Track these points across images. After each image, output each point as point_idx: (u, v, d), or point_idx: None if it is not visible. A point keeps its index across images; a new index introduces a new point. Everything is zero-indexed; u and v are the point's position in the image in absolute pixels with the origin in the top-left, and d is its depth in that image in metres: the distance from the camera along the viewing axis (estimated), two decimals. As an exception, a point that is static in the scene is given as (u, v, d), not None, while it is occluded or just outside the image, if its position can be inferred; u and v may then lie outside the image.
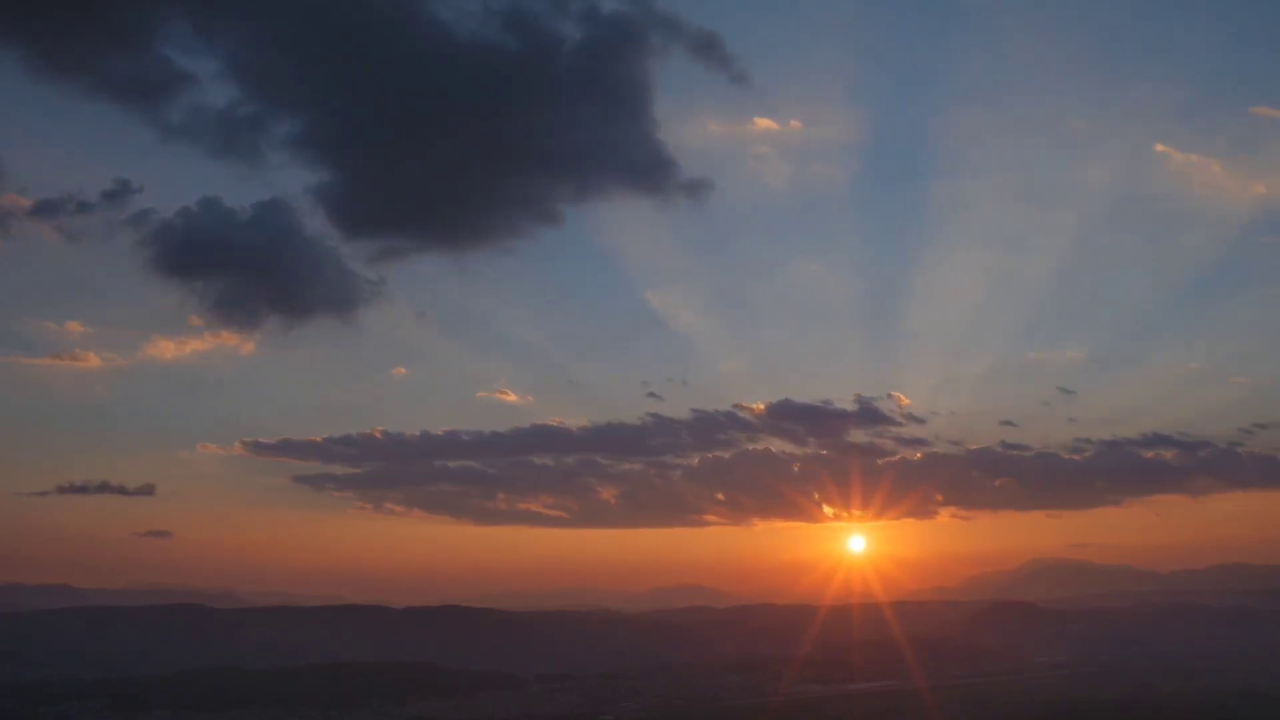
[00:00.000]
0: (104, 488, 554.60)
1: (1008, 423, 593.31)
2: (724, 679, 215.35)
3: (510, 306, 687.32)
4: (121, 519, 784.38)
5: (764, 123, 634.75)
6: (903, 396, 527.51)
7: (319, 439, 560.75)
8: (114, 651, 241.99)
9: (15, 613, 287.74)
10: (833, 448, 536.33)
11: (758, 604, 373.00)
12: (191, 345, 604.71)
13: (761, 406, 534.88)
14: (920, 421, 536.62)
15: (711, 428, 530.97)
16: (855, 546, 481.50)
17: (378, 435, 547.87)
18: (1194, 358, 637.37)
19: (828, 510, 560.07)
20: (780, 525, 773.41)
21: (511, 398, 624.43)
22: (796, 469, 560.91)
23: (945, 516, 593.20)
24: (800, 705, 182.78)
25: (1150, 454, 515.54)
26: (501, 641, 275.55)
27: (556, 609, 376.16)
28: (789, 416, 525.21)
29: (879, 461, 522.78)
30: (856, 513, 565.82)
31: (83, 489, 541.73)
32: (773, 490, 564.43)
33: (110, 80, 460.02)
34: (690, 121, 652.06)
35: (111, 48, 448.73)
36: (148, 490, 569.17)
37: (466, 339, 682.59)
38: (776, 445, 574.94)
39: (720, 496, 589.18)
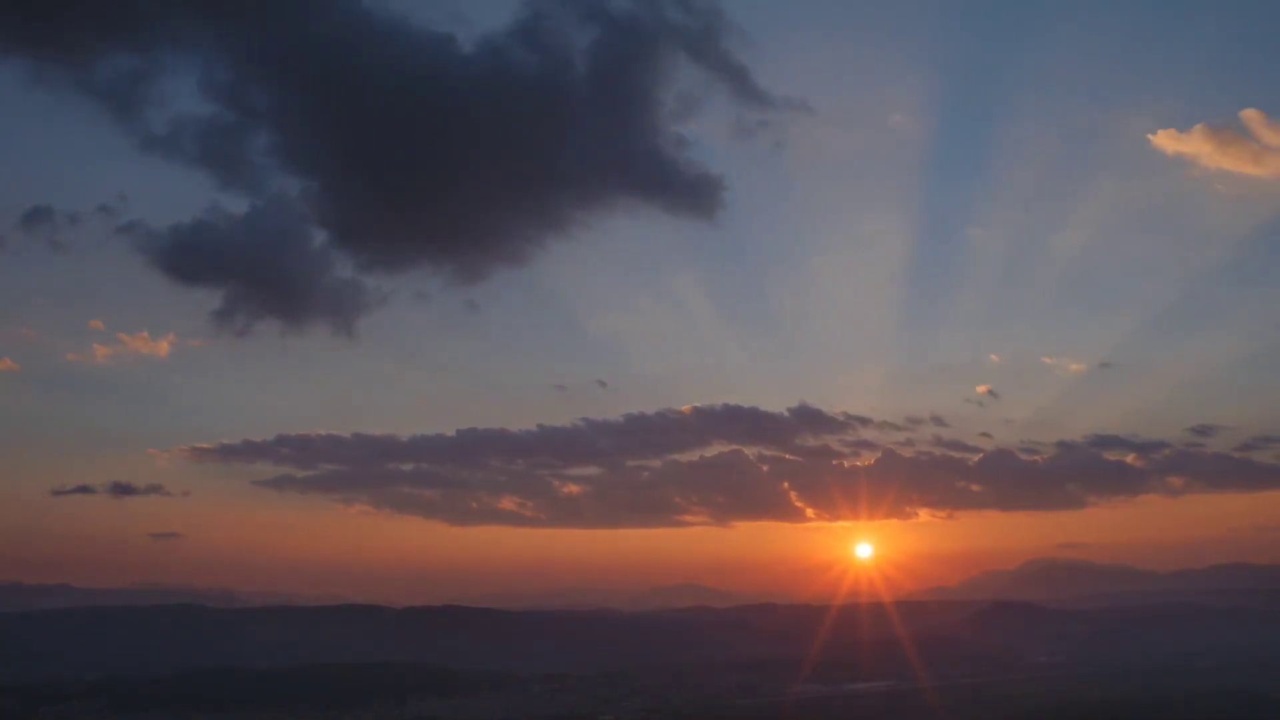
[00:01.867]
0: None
1: (940, 422, 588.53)
2: (724, 679, 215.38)
3: (435, 315, 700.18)
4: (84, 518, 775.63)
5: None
6: (823, 400, 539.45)
7: (259, 440, 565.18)
8: (114, 651, 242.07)
9: (15, 613, 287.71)
10: (788, 451, 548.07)
11: (757, 604, 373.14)
12: (101, 351, 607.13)
13: (688, 409, 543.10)
14: (866, 424, 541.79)
15: (650, 431, 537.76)
16: (846, 547, 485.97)
17: (314, 437, 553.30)
18: (1094, 357, 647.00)
19: (809, 512, 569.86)
20: (761, 526, 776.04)
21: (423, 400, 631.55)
22: (765, 470, 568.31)
23: (925, 517, 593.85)
24: (801, 705, 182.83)
25: (1114, 455, 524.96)
26: (501, 641, 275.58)
27: (556, 609, 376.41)
28: (733, 420, 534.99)
29: (839, 464, 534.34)
30: (837, 514, 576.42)
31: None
32: (745, 492, 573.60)
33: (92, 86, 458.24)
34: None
35: (95, 53, 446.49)
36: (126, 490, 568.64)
37: (390, 349, 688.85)
38: (724, 448, 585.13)
39: (695, 498, 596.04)
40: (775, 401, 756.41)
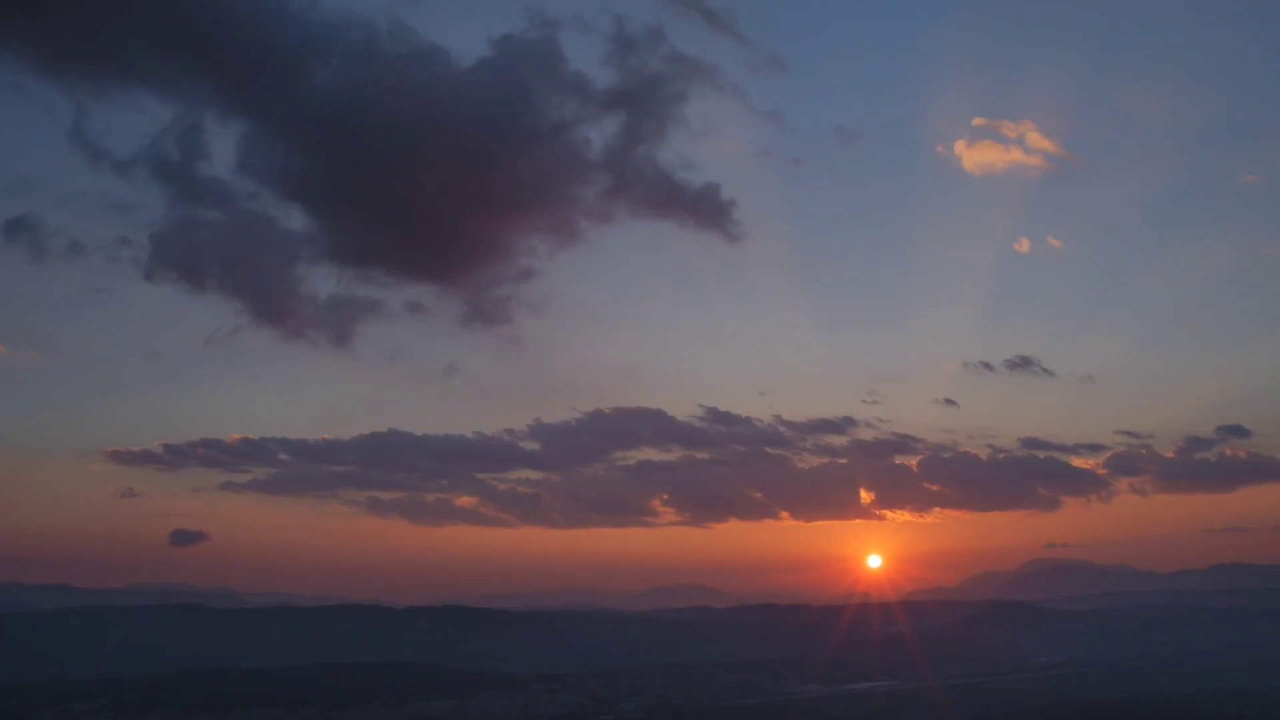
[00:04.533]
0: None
1: (853, 423, 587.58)
2: (724, 679, 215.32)
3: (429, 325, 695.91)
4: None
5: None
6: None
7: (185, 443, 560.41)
8: (114, 651, 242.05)
9: (15, 613, 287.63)
10: (717, 454, 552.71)
11: (757, 604, 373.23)
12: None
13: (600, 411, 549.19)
14: (789, 426, 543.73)
15: (563, 436, 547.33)
16: (832, 547, 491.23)
17: (232, 441, 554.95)
18: (969, 357, 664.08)
19: (783, 513, 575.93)
20: (735, 527, 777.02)
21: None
22: (719, 472, 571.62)
23: (901, 517, 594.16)
24: (801, 705, 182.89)
25: (1051, 457, 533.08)
26: (501, 641, 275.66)
27: (556, 609, 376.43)
28: (644, 422, 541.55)
29: (793, 466, 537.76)
30: (811, 515, 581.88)
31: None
32: (710, 494, 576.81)
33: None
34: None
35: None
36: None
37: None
38: (651, 454, 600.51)
39: (663, 499, 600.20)
40: (675, 405, 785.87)
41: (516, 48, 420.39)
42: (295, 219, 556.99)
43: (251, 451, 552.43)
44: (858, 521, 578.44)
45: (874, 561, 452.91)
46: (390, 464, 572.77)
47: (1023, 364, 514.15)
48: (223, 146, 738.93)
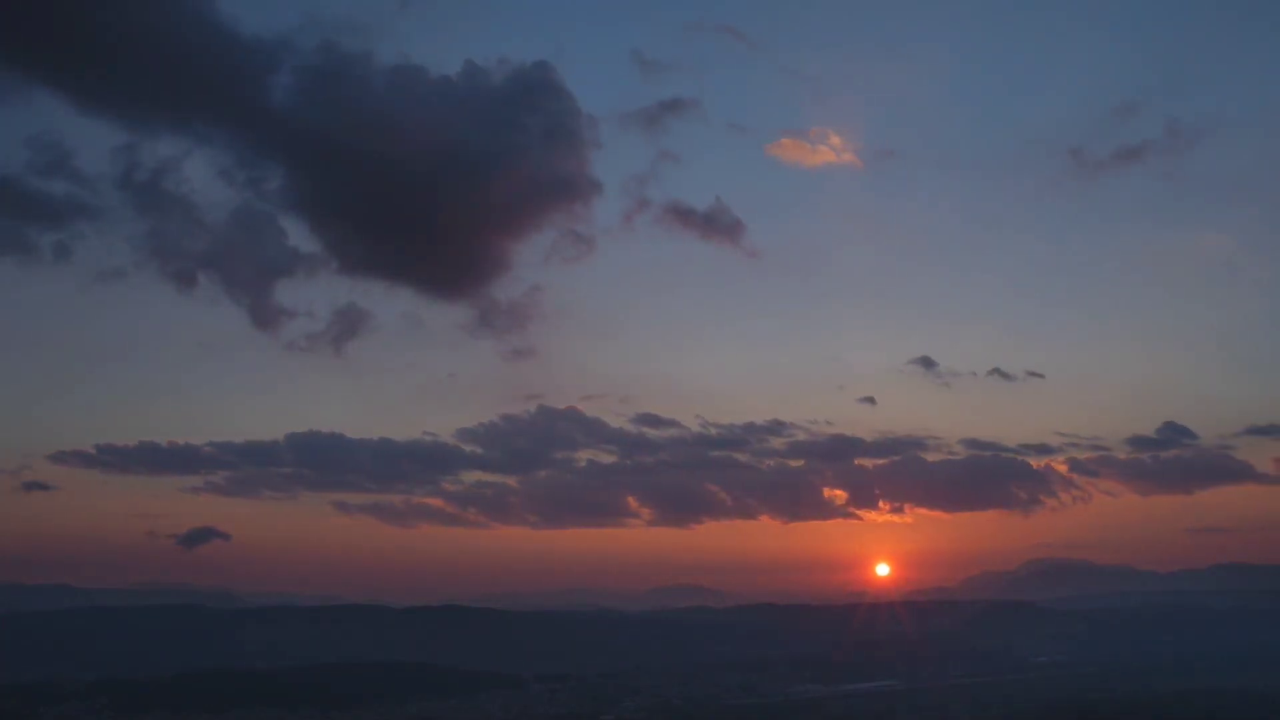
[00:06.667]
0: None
1: (784, 425, 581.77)
2: (724, 679, 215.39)
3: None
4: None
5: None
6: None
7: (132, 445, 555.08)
8: (114, 651, 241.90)
9: (15, 613, 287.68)
10: (681, 457, 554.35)
11: (757, 604, 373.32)
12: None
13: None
14: (719, 429, 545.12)
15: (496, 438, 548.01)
16: (829, 547, 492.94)
17: (166, 445, 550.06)
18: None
19: (764, 515, 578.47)
20: (718, 527, 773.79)
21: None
22: (678, 475, 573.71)
23: (879, 517, 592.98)
24: (801, 705, 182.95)
25: (994, 457, 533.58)
26: (501, 641, 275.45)
27: (556, 609, 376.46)
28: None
29: (758, 467, 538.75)
30: (796, 515, 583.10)
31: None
32: (676, 496, 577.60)
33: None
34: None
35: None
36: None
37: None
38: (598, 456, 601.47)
39: (634, 500, 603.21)
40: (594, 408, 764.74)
41: (511, 67, 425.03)
42: (264, 226, 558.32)
43: (194, 455, 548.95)
44: (837, 521, 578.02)
45: (870, 561, 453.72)
46: (336, 466, 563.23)
47: (926, 365, 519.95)
48: (202, 155, 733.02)
